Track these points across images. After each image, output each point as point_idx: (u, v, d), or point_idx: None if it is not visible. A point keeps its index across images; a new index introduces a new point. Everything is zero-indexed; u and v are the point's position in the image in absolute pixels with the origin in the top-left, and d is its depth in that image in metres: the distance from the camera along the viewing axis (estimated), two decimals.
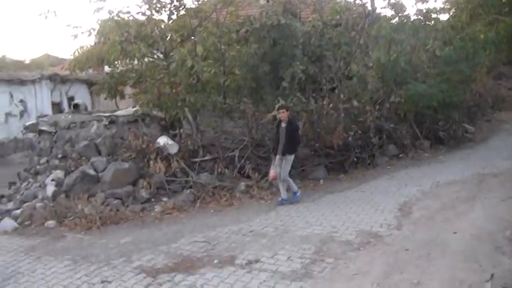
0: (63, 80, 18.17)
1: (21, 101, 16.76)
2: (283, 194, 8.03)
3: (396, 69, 11.65)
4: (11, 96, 16.49)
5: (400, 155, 11.67)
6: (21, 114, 16.65)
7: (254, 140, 9.64)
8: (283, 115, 8.02)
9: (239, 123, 10.03)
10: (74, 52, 10.44)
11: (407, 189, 8.52)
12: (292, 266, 5.31)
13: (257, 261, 5.50)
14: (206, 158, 9.31)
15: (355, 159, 10.65)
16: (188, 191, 8.39)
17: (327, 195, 8.52)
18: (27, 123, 11.47)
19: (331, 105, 10.34)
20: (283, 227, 6.75)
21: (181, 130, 9.37)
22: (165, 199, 8.29)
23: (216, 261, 5.56)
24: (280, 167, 8.00)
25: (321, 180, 9.63)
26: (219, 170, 8.94)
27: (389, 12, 11.90)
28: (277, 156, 8.06)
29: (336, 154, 10.47)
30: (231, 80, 9.79)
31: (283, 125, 8.03)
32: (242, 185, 8.76)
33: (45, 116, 11.76)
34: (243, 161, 9.28)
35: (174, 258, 5.79)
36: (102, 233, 7.08)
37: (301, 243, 6.01)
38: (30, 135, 12.00)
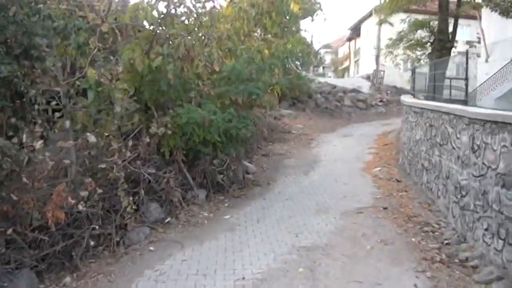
0: None
1: None
2: None
3: (160, 82, 7.30)
4: None
5: (168, 220, 7.26)
6: None
7: None
8: None
9: None
10: None
11: None
12: None
13: None
14: None
15: (93, 240, 5.78)
16: None
17: None
18: None
19: (47, 142, 5.33)
20: None
21: None
22: None
23: None
24: None
25: None
26: None
27: None
28: None
29: (56, 236, 5.37)
30: None
31: None
32: None
33: None
34: None
35: None
36: None
37: None
38: None
